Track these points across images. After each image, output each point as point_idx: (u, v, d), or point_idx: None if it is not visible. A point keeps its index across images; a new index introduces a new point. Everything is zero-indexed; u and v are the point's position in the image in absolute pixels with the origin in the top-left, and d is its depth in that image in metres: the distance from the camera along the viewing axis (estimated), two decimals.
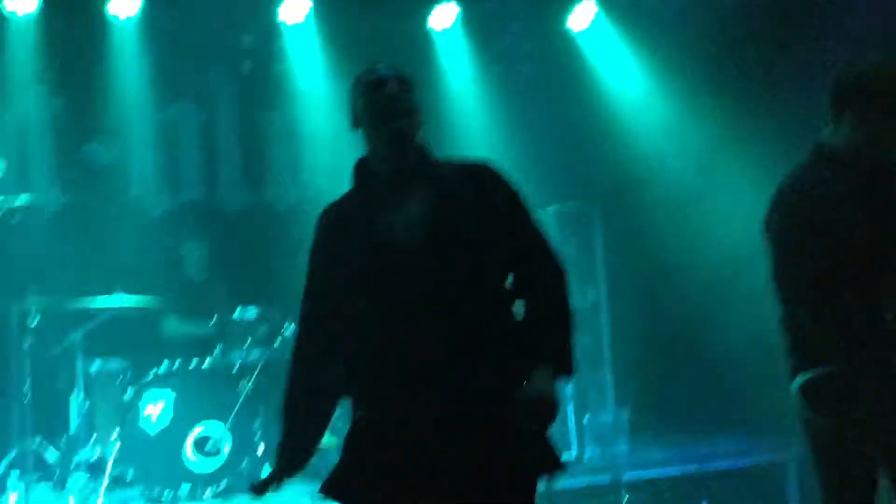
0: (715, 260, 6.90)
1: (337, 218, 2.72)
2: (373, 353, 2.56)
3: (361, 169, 2.73)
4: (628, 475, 5.82)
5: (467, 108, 7.40)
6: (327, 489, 2.60)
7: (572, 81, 7.48)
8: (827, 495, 3.10)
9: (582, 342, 6.15)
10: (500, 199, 2.67)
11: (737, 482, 6.07)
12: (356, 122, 2.71)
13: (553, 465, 2.62)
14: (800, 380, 3.03)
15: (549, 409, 2.55)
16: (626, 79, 7.34)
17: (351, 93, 2.72)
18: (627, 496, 5.70)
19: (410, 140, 2.66)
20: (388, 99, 2.61)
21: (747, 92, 6.58)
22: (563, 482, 5.63)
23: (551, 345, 2.65)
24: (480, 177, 2.69)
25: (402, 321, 2.52)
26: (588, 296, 6.56)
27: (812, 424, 3.06)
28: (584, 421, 5.99)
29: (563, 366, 2.64)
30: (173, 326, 6.07)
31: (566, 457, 5.79)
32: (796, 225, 2.94)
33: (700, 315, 7.08)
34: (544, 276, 2.69)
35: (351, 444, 2.62)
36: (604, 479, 5.78)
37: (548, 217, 6.66)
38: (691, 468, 6.02)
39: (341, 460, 2.62)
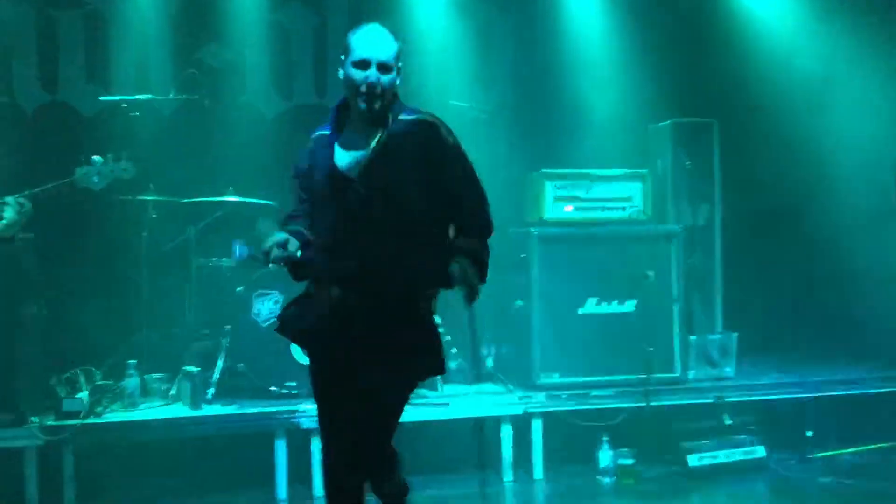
0: (836, 180, 6.62)
1: (316, 146, 3.42)
2: (321, 247, 3.31)
3: (340, 110, 3.41)
4: (732, 397, 5.74)
5: (588, 22, 7.17)
6: (280, 328, 3.49)
7: None
8: None
9: (693, 261, 6.10)
10: (436, 151, 3.31)
11: (844, 412, 5.94)
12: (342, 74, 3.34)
13: (437, 370, 3.43)
14: None
15: (475, 273, 3.23)
16: None
17: (343, 48, 3.31)
18: (730, 419, 5.64)
19: (380, 111, 3.29)
20: (367, 85, 3.24)
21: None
22: (666, 400, 5.66)
23: (470, 249, 3.31)
24: (422, 130, 3.33)
25: (341, 229, 3.29)
26: (701, 214, 6.38)
27: None
28: (690, 341, 5.88)
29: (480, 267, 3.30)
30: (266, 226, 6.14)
31: (670, 375, 5.77)
32: None
33: (818, 238, 6.85)
34: (473, 222, 3.36)
35: (300, 302, 3.45)
36: (707, 399, 5.72)
37: (662, 131, 6.48)
38: (797, 394, 5.91)
39: (292, 309, 3.46)
